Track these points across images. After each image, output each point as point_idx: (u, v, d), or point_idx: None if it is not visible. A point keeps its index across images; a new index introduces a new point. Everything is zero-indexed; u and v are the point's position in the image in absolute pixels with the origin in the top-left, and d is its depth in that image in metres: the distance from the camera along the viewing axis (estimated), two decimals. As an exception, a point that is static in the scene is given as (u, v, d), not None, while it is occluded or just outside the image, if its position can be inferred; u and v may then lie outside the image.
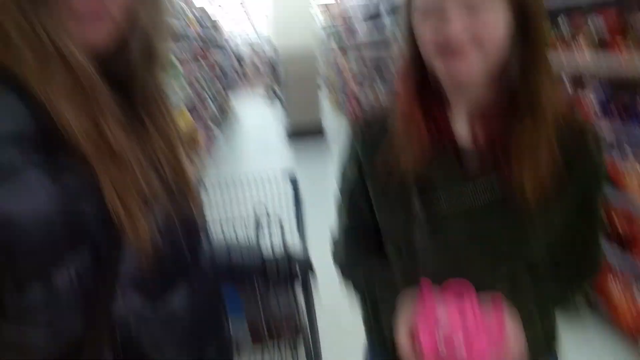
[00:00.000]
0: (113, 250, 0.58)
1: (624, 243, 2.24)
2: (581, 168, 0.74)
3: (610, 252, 2.18)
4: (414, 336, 0.67)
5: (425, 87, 0.78)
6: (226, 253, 0.97)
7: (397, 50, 0.82)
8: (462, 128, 0.78)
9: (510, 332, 0.65)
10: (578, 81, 2.52)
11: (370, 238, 0.89)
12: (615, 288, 2.24)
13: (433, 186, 0.75)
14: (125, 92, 0.66)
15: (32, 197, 0.52)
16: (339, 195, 0.93)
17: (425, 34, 0.71)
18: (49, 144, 0.54)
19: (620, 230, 2.27)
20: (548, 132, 0.71)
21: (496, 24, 0.68)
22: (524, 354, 0.69)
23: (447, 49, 0.68)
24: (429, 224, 0.76)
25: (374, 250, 0.89)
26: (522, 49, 0.71)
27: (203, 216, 0.77)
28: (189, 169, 0.74)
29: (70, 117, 0.55)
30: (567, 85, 2.55)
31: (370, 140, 0.84)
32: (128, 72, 0.66)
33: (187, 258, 0.70)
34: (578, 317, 2.31)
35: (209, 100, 7.73)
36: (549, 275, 0.79)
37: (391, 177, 0.78)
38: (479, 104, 0.76)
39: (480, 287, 0.69)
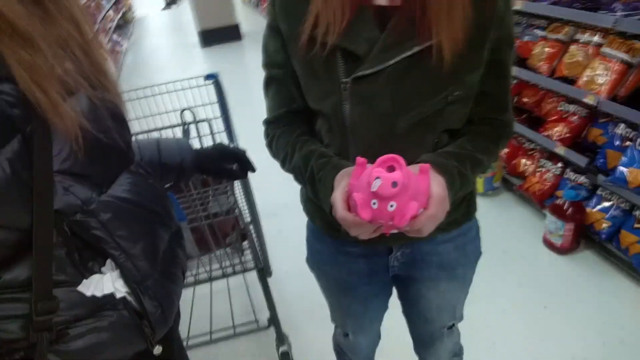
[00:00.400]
0: (43, 139, 0.57)
1: (532, 120, 2.44)
2: (491, 23, 0.77)
3: (519, 128, 2.38)
4: (349, 198, 0.70)
5: None
6: (156, 149, 0.94)
7: None
8: None
9: (436, 196, 0.71)
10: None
11: (300, 118, 0.90)
12: (524, 162, 2.49)
13: (354, 48, 0.76)
14: None
15: None
16: (265, 71, 0.91)
17: None
18: None
19: (529, 107, 2.46)
20: None
21: None
22: (446, 219, 0.74)
23: None
24: (353, 88, 0.77)
25: (305, 131, 0.90)
26: None
27: (124, 105, 0.75)
28: (101, 54, 0.70)
29: None
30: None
31: (291, 8, 0.81)
32: None
33: (122, 145, 0.69)
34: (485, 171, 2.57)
35: (104, 3, 6.87)
36: (467, 139, 0.85)
37: (313, 44, 0.77)
38: None
39: (409, 157, 0.74)
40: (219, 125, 1.82)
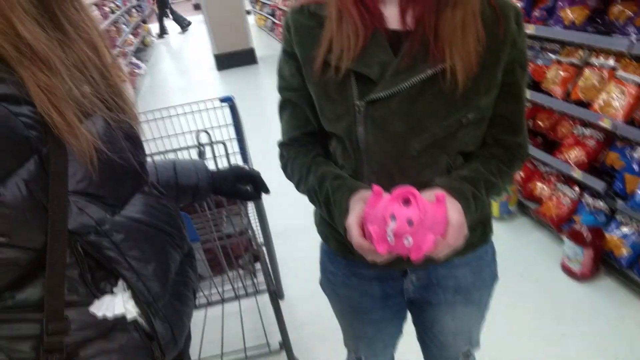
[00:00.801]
0: (59, 159, 0.58)
1: (547, 143, 2.42)
2: (504, 46, 0.77)
3: (534, 151, 2.35)
4: (364, 228, 0.71)
5: None
6: (173, 170, 0.95)
7: None
8: (392, 11, 0.79)
9: (455, 223, 0.70)
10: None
11: (315, 140, 0.91)
12: (540, 186, 2.46)
13: (368, 72, 0.77)
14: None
15: None
16: (280, 95, 0.92)
17: None
18: None
19: (544, 131, 2.44)
20: (474, 10, 0.74)
21: None
22: (464, 243, 0.74)
23: None
24: (368, 110, 0.78)
25: (320, 153, 0.91)
26: None
27: (140, 126, 0.76)
28: (119, 76, 0.72)
29: None
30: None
31: (306, 33, 0.83)
32: None
33: (136, 166, 0.70)
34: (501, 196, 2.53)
35: (125, 27, 7.09)
36: (481, 161, 0.85)
37: (328, 68, 0.78)
38: None
39: (422, 179, 0.73)
40: (233, 146, 1.84)
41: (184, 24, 10.95)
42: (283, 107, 0.92)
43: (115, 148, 0.65)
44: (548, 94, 2.24)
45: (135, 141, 0.71)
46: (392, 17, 0.78)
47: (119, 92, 0.70)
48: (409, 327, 1.10)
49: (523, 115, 0.88)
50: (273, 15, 8.29)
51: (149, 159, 0.82)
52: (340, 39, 0.76)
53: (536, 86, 2.33)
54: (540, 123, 2.46)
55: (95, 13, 4.95)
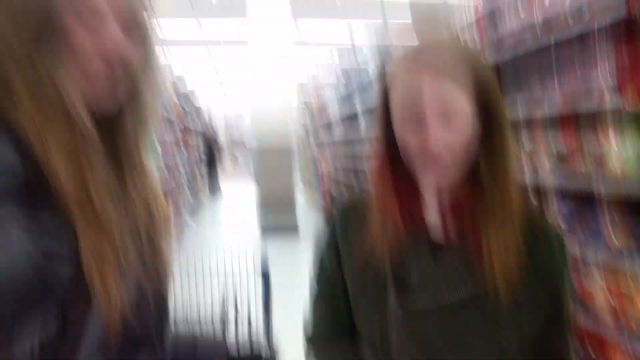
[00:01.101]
0: (80, 316, 0.57)
1: (595, 365, 2.19)
2: (546, 270, 0.77)
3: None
4: None
5: (399, 176, 0.82)
6: (192, 344, 0.90)
7: (371, 144, 0.87)
8: (435, 220, 0.81)
9: None
10: (541, 194, 2.65)
11: (345, 333, 0.86)
12: None
13: (408, 281, 0.76)
14: (114, 154, 0.67)
15: (8, 252, 0.50)
16: (315, 284, 0.91)
17: (406, 141, 0.76)
18: (34, 197, 0.54)
19: (591, 353, 2.24)
20: (515, 232, 0.75)
21: (468, 133, 0.75)
22: None
23: (427, 161, 0.75)
24: (405, 321, 0.75)
25: (349, 347, 0.86)
26: (488, 149, 0.78)
27: (170, 292, 0.75)
28: (164, 242, 0.74)
29: (61, 173, 0.55)
30: (532, 196, 2.68)
31: (347, 229, 0.85)
32: (119, 134, 0.68)
33: (153, 334, 0.68)
34: None
35: (185, 186, 7.76)
36: None
37: (367, 269, 0.79)
38: (453, 202, 0.80)
39: None
40: (258, 318, 1.79)
41: (215, 190, 11.74)
42: (317, 298, 0.90)
43: (141, 318, 0.64)
44: (596, 317, 2.10)
45: (161, 312, 0.71)
46: (434, 225, 0.81)
47: (161, 257, 0.71)
48: None
49: (569, 342, 0.83)
50: (322, 196, 8.85)
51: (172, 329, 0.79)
52: (382, 243, 0.78)
53: (583, 307, 2.21)
54: (587, 346, 2.25)
55: (164, 174, 5.50)
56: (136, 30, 0.64)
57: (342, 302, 0.85)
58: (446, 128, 0.72)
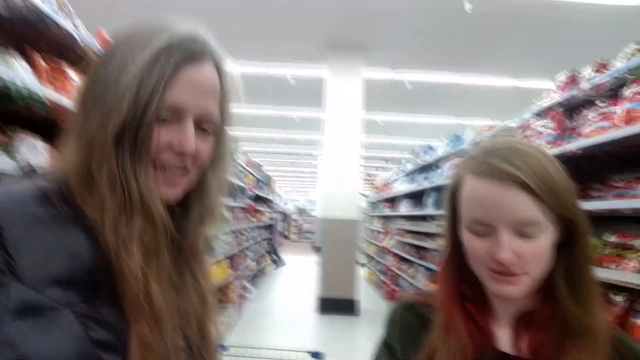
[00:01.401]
0: None
1: None
2: None
3: None
4: None
5: (466, 285, 0.78)
6: None
7: (439, 242, 0.83)
8: (504, 332, 0.75)
9: None
10: (630, 301, 2.39)
11: None
12: None
13: None
14: (176, 243, 0.69)
15: (60, 340, 0.52)
16: None
17: (474, 247, 0.73)
18: (96, 285, 0.56)
19: None
20: (598, 350, 0.69)
21: (545, 246, 0.70)
22: None
23: (497, 271, 0.70)
24: None
25: None
26: (567, 261, 0.73)
27: None
28: (213, 332, 0.74)
29: (130, 267, 0.57)
30: (619, 302, 2.43)
31: (410, 332, 0.81)
32: (184, 225, 0.71)
33: None
34: None
35: (251, 255, 7.90)
36: None
37: None
38: (524, 312, 0.75)
39: None
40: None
41: (277, 262, 11.83)
42: None
43: None
44: None
45: None
46: (504, 338, 0.75)
47: (209, 346, 0.72)
48: None
49: None
50: (383, 273, 8.62)
51: None
52: (444, 352, 0.74)
53: None
54: None
55: (230, 240, 5.67)
56: (209, 124, 0.68)
57: None
58: (522, 244, 0.69)
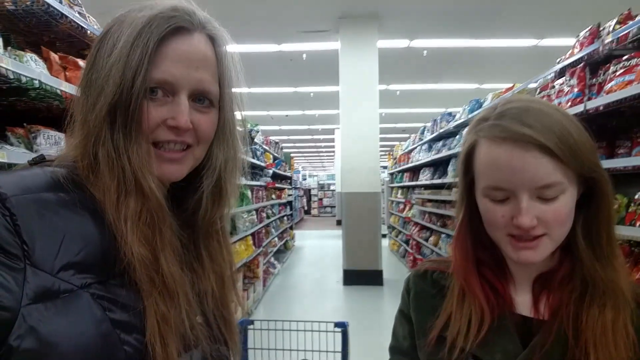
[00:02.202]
0: None
1: None
2: None
3: None
4: None
5: (482, 250, 0.77)
6: None
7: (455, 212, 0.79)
8: (523, 296, 0.74)
9: None
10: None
11: None
12: None
13: (489, 358, 0.70)
14: (190, 223, 0.70)
15: (79, 322, 0.52)
16: (390, 355, 0.87)
17: (492, 214, 0.70)
18: (109, 267, 0.57)
19: None
20: (622, 309, 0.67)
21: (566, 208, 0.68)
22: None
23: (517, 237, 0.68)
24: None
25: None
26: (587, 219, 0.71)
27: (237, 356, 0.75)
28: (233, 310, 0.74)
29: (133, 246, 0.58)
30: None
31: (424, 300, 0.81)
32: (196, 205, 0.71)
33: None
34: None
35: (274, 231, 8.01)
36: None
37: (442, 343, 0.73)
38: (543, 273, 0.74)
39: None
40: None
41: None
42: None
43: None
44: None
45: None
46: (523, 301, 0.74)
47: (229, 324, 0.73)
48: None
49: None
50: (407, 243, 8.63)
51: None
52: (459, 319, 0.73)
53: None
54: None
55: (253, 217, 5.74)
56: (207, 97, 0.66)
57: None
58: (543, 208, 0.66)
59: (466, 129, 0.77)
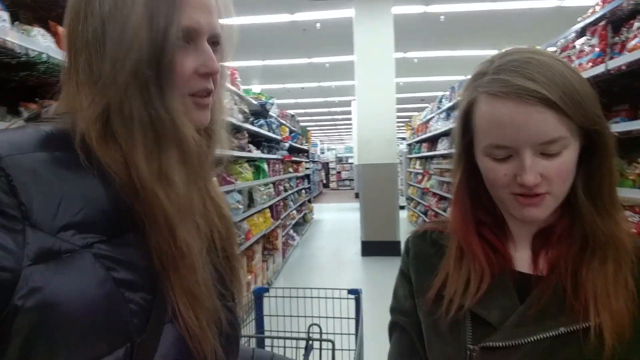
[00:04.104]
0: (151, 343, 0.57)
1: None
2: None
3: None
4: None
5: (482, 211, 0.76)
6: None
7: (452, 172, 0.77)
8: (522, 253, 0.74)
9: None
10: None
11: None
12: None
13: (486, 315, 0.70)
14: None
15: (82, 282, 0.52)
16: (390, 315, 0.87)
17: (494, 173, 0.69)
18: (115, 227, 0.56)
19: None
20: (622, 262, 0.66)
21: (569, 163, 0.66)
22: None
23: (520, 194, 0.67)
24: (482, 357, 0.68)
25: None
26: (588, 173, 0.69)
27: (241, 314, 0.76)
28: (239, 258, 0.75)
29: (174, 199, 0.58)
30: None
31: (423, 260, 0.81)
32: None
33: (221, 353, 0.67)
34: None
35: (292, 204, 8.07)
36: None
37: (440, 302, 0.73)
38: (542, 229, 0.73)
39: None
40: (350, 341, 1.77)
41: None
42: (392, 329, 0.87)
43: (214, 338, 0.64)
44: None
45: (232, 337, 0.71)
46: (522, 259, 0.74)
47: (238, 279, 0.73)
48: None
49: None
50: (425, 214, 8.60)
51: (248, 348, 0.81)
52: (457, 279, 0.73)
53: None
54: None
55: (271, 191, 5.78)
56: (217, 42, 0.66)
57: (416, 335, 0.81)
58: (547, 164, 0.65)
59: (464, 86, 0.75)
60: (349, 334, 1.82)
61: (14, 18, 1.74)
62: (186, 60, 0.61)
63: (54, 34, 1.89)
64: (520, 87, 0.63)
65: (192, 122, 0.63)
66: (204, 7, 0.62)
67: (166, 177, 0.58)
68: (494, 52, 0.71)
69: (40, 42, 1.62)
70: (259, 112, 5.81)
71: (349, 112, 16.17)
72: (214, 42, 0.65)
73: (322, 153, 22.31)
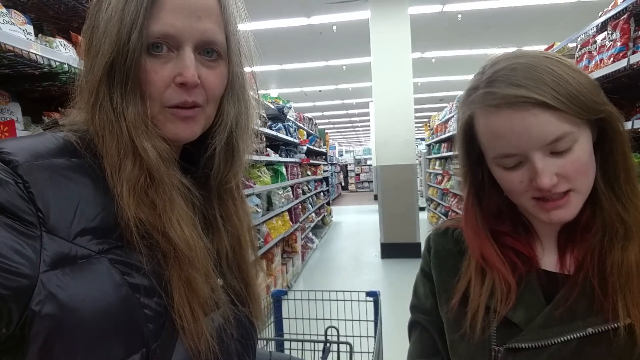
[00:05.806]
0: (166, 349, 0.57)
1: None
2: None
3: None
4: None
5: (498, 221, 0.75)
6: None
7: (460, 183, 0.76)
8: (549, 252, 0.72)
9: None
10: None
11: None
12: None
13: (511, 315, 0.68)
14: (205, 184, 0.68)
15: (98, 287, 0.52)
16: (411, 314, 0.87)
17: (510, 181, 0.68)
18: (126, 237, 0.56)
19: None
20: None
21: (584, 155, 0.65)
22: None
23: (543, 198, 0.66)
24: (507, 358, 0.67)
25: None
26: (603, 159, 0.68)
27: (261, 320, 0.75)
28: (253, 272, 0.73)
29: (130, 210, 0.56)
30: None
31: (445, 258, 0.80)
32: (209, 164, 0.69)
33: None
34: None
35: (310, 207, 8.08)
36: None
37: (465, 302, 0.73)
38: (567, 224, 0.72)
39: None
40: (369, 343, 1.77)
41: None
42: (412, 327, 0.87)
43: (222, 349, 0.63)
44: None
45: (246, 343, 0.70)
46: (549, 258, 0.72)
47: (250, 286, 0.72)
48: None
49: None
50: (446, 215, 8.50)
51: (266, 351, 0.81)
52: (481, 276, 0.72)
53: None
54: None
55: (289, 194, 5.80)
56: (214, 50, 0.62)
57: (436, 333, 0.80)
58: (560, 162, 0.64)
59: (460, 102, 0.74)
60: (367, 337, 1.81)
61: (38, 30, 1.80)
62: (162, 69, 0.59)
63: (75, 44, 1.94)
64: (509, 96, 0.63)
65: (174, 135, 0.61)
66: (185, 11, 0.58)
67: (129, 186, 0.57)
68: (513, 50, 0.71)
69: (62, 53, 1.67)
70: (277, 116, 5.85)
71: (367, 114, 16.12)
72: (209, 50, 0.62)
73: (341, 155, 22.29)
